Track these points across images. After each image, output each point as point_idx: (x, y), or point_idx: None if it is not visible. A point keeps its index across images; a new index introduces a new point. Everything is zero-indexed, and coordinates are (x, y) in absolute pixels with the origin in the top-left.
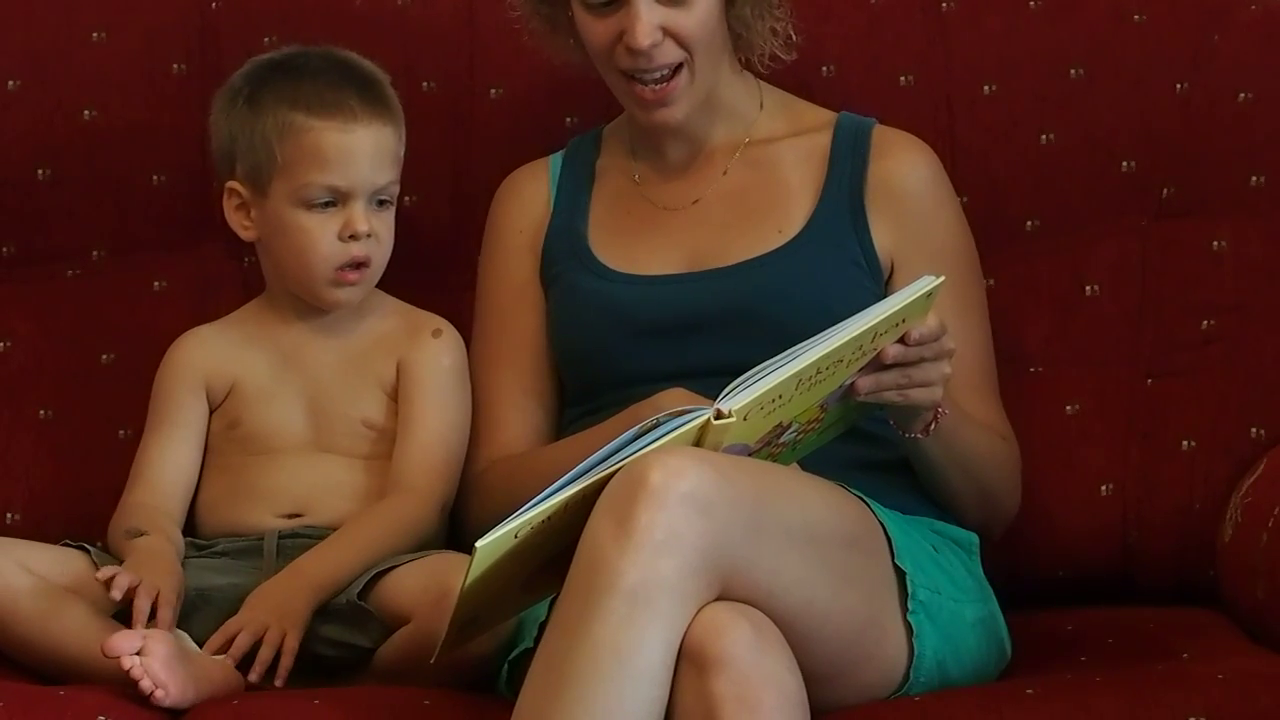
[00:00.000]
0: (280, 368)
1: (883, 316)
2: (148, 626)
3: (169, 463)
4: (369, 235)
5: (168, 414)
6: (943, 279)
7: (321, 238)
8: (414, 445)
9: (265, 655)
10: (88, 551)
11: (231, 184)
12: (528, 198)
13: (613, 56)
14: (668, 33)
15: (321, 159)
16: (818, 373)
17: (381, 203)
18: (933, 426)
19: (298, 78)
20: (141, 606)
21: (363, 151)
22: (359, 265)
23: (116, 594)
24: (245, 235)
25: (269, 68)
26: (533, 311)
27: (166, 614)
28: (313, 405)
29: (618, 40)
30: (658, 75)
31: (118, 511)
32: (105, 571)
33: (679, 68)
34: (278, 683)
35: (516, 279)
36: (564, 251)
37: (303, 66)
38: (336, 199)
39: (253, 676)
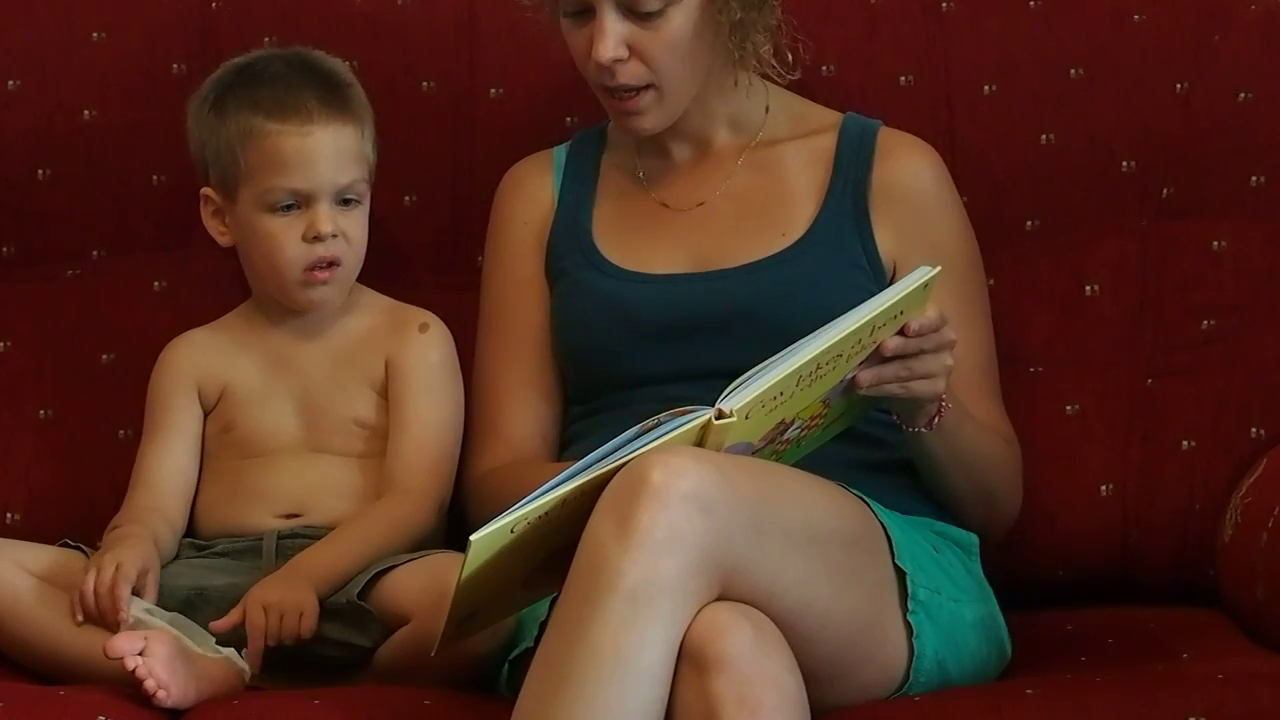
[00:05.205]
0: (270, 370)
1: (880, 309)
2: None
3: (166, 468)
4: (334, 236)
5: (163, 419)
6: (939, 269)
7: (287, 241)
8: (407, 444)
9: (284, 632)
10: (86, 554)
11: (205, 191)
12: (532, 190)
13: (587, 66)
14: (635, 51)
15: (281, 162)
16: (818, 369)
17: (348, 201)
18: (936, 420)
19: (258, 82)
20: (110, 594)
21: (322, 153)
22: (329, 265)
23: (79, 617)
24: (222, 241)
25: (234, 73)
26: (538, 306)
27: (126, 587)
28: (304, 406)
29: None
30: (623, 90)
31: (116, 517)
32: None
33: (647, 86)
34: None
35: (522, 273)
36: (569, 246)
37: (264, 70)
38: (299, 201)
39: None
